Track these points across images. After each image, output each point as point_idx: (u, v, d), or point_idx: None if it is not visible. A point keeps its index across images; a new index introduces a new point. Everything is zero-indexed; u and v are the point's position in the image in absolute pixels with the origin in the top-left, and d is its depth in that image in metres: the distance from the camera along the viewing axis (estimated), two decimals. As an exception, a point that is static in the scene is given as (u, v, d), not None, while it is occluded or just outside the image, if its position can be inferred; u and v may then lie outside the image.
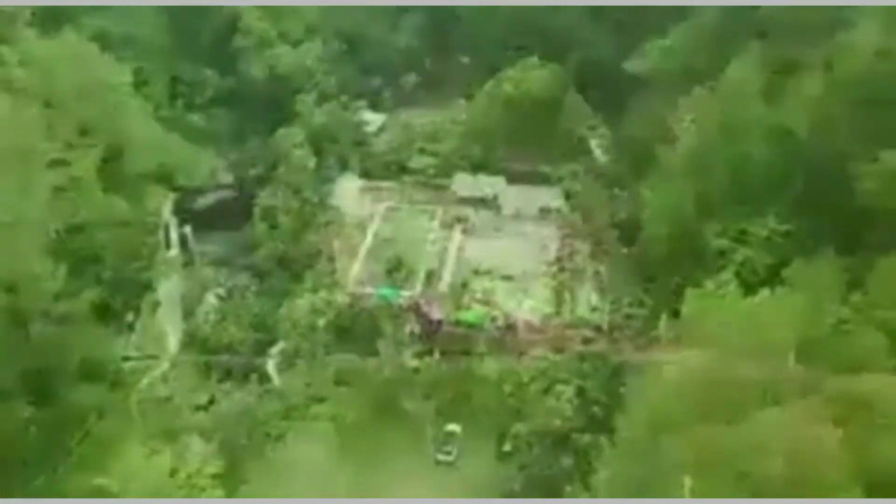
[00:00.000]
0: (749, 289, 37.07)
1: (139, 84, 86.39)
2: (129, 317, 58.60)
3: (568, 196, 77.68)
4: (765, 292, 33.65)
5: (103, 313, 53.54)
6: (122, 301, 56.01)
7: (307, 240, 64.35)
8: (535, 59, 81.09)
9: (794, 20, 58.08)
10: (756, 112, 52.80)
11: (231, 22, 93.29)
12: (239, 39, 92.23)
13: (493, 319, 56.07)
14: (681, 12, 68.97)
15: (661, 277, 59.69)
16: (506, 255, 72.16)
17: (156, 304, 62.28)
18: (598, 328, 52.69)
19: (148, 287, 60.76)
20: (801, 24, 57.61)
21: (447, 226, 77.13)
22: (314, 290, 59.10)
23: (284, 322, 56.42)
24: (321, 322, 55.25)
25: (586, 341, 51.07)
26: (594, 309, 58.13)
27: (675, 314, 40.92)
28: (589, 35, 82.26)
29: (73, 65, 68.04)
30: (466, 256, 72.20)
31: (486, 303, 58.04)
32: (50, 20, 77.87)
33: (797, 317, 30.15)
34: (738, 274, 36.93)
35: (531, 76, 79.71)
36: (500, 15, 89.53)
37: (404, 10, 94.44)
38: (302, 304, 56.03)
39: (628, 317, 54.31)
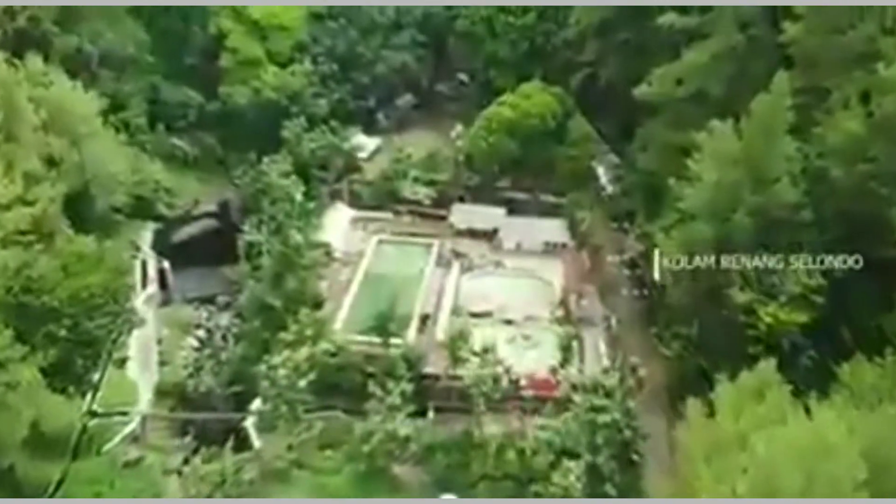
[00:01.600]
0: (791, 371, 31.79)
1: (116, 107, 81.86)
2: (94, 376, 53.03)
3: (573, 230, 72.27)
4: (826, 411, 28.00)
5: (61, 374, 48.09)
6: (84, 358, 50.43)
7: (290, 285, 58.78)
8: (537, 83, 75.93)
9: (823, 47, 52.75)
10: (785, 150, 47.41)
11: (217, 40, 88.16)
12: (225, 59, 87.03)
13: (496, 381, 50.56)
14: (694, 34, 63.46)
15: (679, 330, 54.37)
16: (507, 296, 66.94)
17: (124, 360, 56.68)
18: (609, 394, 47.19)
19: (117, 339, 55.18)
20: (831, 52, 52.30)
21: (444, 262, 71.79)
22: (297, 344, 53.55)
23: (263, 381, 50.89)
24: (302, 383, 49.73)
25: (597, 409, 45.57)
26: (605, 370, 52.58)
27: (707, 383, 35.53)
28: (595, 56, 76.73)
29: (38, 93, 63.16)
30: (464, 297, 66.86)
31: (486, 358, 52.59)
32: (18, 40, 73.33)
33: (865, 437, 24.80)
34: (780, 365, 31.62)
35: (533, 101, 74.42)
36: (500, 31, 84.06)
37: (399, 27, 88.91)
38: (282, 361, 50.41)
39: (642, 380, 48.89)
